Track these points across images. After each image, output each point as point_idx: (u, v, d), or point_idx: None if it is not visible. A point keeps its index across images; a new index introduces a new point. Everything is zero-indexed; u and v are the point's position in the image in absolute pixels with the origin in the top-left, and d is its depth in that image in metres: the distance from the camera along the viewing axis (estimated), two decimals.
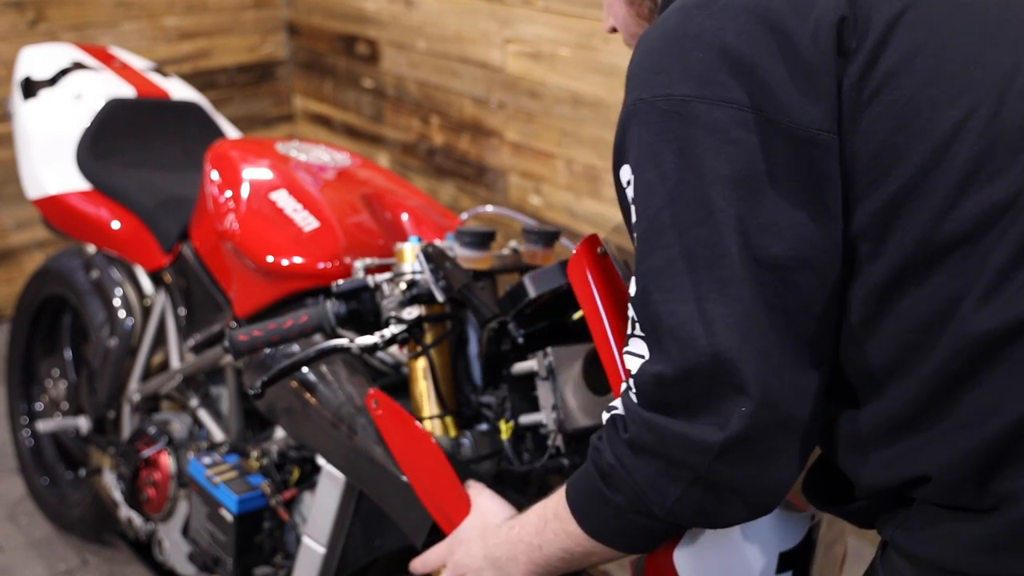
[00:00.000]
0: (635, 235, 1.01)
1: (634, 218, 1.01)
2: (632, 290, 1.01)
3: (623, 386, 1.04)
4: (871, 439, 0.99)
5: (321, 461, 1.64)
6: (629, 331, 1.02)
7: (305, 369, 1.59)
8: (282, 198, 1.89)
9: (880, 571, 1.03)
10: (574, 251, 1.22)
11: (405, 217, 1.92)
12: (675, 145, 0.96)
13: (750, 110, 0.95)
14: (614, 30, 1.25)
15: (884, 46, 0.95)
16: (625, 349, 1.03)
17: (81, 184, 2.37)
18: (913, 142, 0.94)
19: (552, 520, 1.13)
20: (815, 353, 0.98)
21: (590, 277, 1.20)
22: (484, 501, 1.32)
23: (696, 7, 1.00)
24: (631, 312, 1.01)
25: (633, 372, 1.01)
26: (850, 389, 1.02)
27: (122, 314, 2.29)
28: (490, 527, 1.26)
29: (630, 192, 1.01)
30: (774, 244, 0.94)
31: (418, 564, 1.35)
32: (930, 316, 0.94)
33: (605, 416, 1.06)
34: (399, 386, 1.68)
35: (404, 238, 1.82)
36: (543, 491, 1.63)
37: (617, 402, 1.05)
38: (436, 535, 1.38)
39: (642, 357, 1.00)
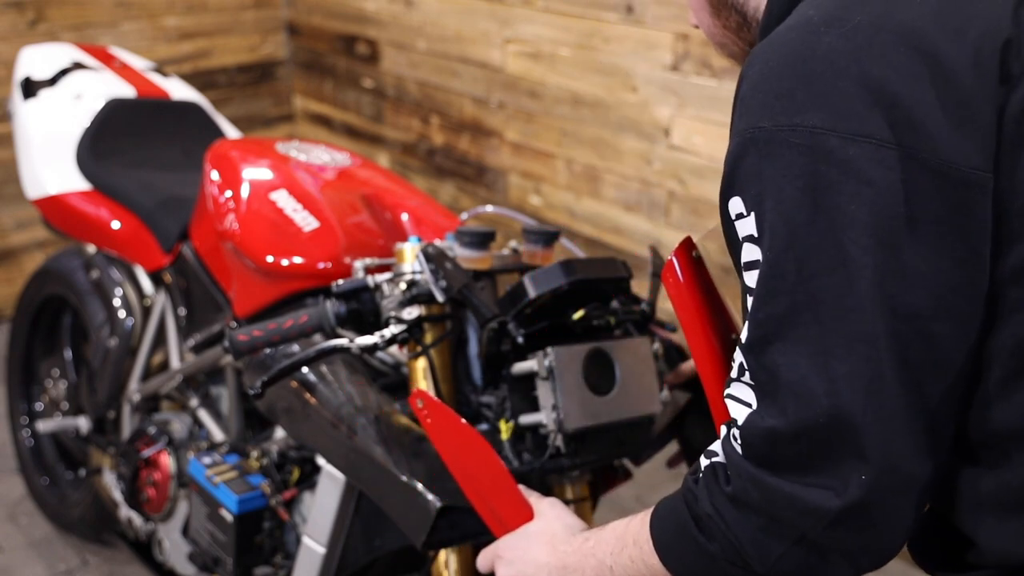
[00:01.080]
0: (750, 274, 0.93)
1: (748, 256, 0.92)
2: (745, 335, 0.93)
3: (723, 430, 0.98)
4: (999, 505, 0.92)
5: (321, 461, 1.64)
6: (735, 374, 0.95)
7: (305, 369, 1.59)
8: (282, 198, 1.89)
9: None
10: (671, 258, 1.13)
11: (405, 217, 1.92)
12: (802, 182, 0.87)
13: (891, 146, 0.85)
14: (697, 26, 1.17)
15: None
16: (727, 392, 0.97)
17: (81, 184, 2.37)
18: None
19: (631, 546, 1.07)
20: (943, 412, 0.90)
21: (685, 283, 1.12)
22: (553, 510, 1.25)
23: (824, 25, 0.89)
24: (739, 356, 0.94)
25: (739, 421, 0.94)
26: (973, 448, 0.94)
27: (122, 314, 2.29)
28: (560, 535, 1.20)
29: (743, 227, 0.92)
30: (913, 293, 0.86)
31: (481, 562, 1.29)
32: None
33: (704, 461, 0.99)
34: (399, 386, 1.68)
35: (404, 238, 1.82)
36: (543, 491, 1.63)
37: (717, 446, 0.98)
38: (436, 535, 1.38)
39: (749, 406, 0.93)
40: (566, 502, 1.59)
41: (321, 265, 1.79)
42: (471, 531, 1.41)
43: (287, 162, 2.01)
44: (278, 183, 1.93)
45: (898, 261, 0.86)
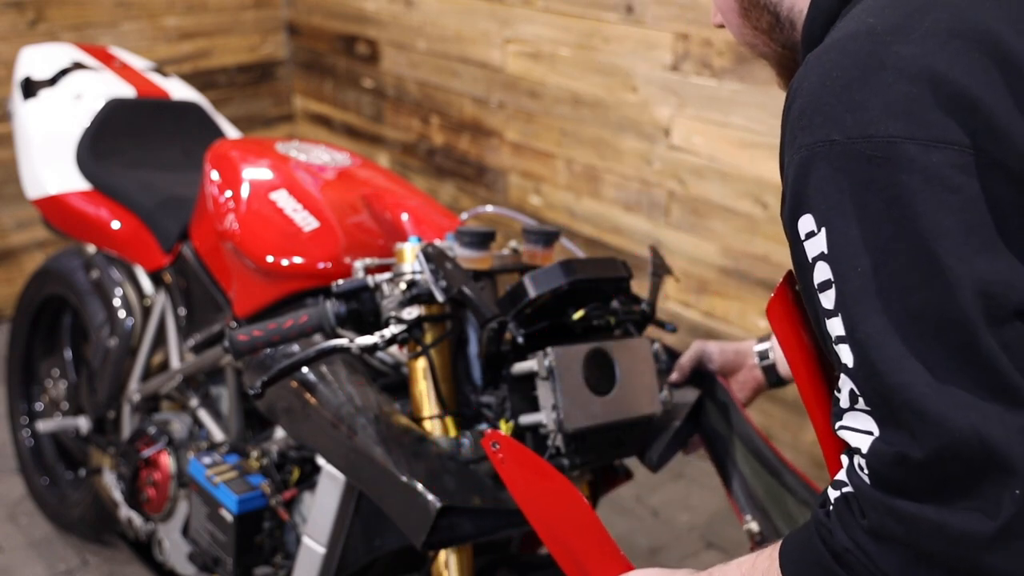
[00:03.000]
0: (827, 294, 0.89)
1: (823, 275, 0.89)
2: (848, 360, 0.88)
3: (845, 460, 0.93)
4: None
5: (321, 461, 1.64)
6: (846, 404, 0.90)
7: (305, 369, 1.59)
8: (282, 198, 1.89)
9: None
10: (775, 294, 1.09)
11: (405, 217, 1.92)
12: (884, 194, 0.84)
13: (971, 151, 0.83)
14: (722, 26, 1.15)
15: None
16: (839, 424, 0.92)
17: (81, 184, 2.37)
18: None
19: None
20: None
21: (788, 317, 1.08)
22: (652, 568, 1.16)
23: (890, 33, 0.87)
24: (848, 384, 0.89)
25: (863, 450, 0.88)
26: None
27: (122, 314, 2.29)
28: (675, 572, 1.12)
29: (814, 245, 0.89)
30: (1010, 298, 0.83)
31: None
32: None
33: (832, 493, 0.93)
34: (399, 386, 1.68)
35: (404, 238, 1.82)
36: None
37: (843, 475, 0.93)
38: (436, 535, 1.38)
39: (870, 433, 0.88)
40: None
41: (321, 265, 1.79)
42: (471, 531, 1.41)
43: (287, 162, 2.00)
44: (278, 183, 1.93)
45: (993, 267, 0.83)
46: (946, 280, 0.83)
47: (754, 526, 1.53)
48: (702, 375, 1.66)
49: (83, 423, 2.40)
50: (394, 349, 1.69)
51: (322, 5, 4.12)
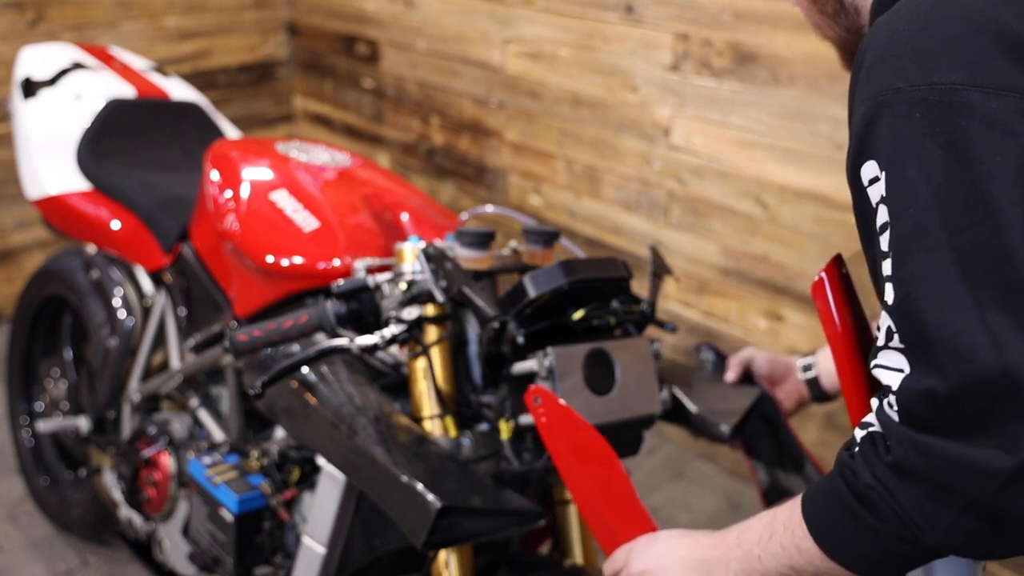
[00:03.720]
0: (884, 236, 0.92)
1: (883, 218, 0.92)
2: (889, 297, 0.91)
3: (875, 402, 0.96)
4: None
5: (321, 461, 1.64)
6: (882, 342, 0.94)
7: (305, 369, 1.59)
8: (282, 198, 1.89)
9: None
10: (820, 274, 1.13)
11: (405, 217, 1.92)
12: (944, 139, 0.88)
13: None
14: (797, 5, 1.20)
15: None
16: (874, 363, 0.95)
17: (81, 184, 2.37)
18: None
19: (781, 533, 1.04)
20: None
21: (834, 300, 1.11)
22: (676, 530, 1.20)
23: None
24: (887, 322, 0.92)
25: (893, 387, 0.92)
26: None
27: (122, 314, 2.29)
28: (694, 534, 1.16)
29: (876, 191, 0.93)
30: None
31: (606, 568, 1.23)
32: None
33: (859, 433, 0.97)
34: (399, 386, 1.68)
35: (404, 238, 1.82)
36: (543, 491, 1.63)
37: (871, 417, 0.96)
38: (436, 535, 1.38)
39: (901, 371, 0.91)
40: (565, 502, 1.59)
41: (321, 265, 1.79)
42: (471, 531, 1.40)
43: (287, 162, 2.01)
44: (278, 183, 1.93)
45: None
46: (998, 220, 0.85)
47: None
48: (749, 380, 1.68)
49: (83, 423, 2.40)
50: (394, 349, 1.69)
51: (322, 5, 4.12)
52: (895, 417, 0.92)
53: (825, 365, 1.65)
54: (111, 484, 2.31)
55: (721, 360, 1.72)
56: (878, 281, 0.96)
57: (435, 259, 1.46)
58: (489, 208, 1.83)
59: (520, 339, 1.42)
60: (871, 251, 0.96)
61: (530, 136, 3.39)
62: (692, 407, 1.64)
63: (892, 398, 0.92)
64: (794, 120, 2.63)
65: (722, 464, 3.07)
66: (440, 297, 1.44)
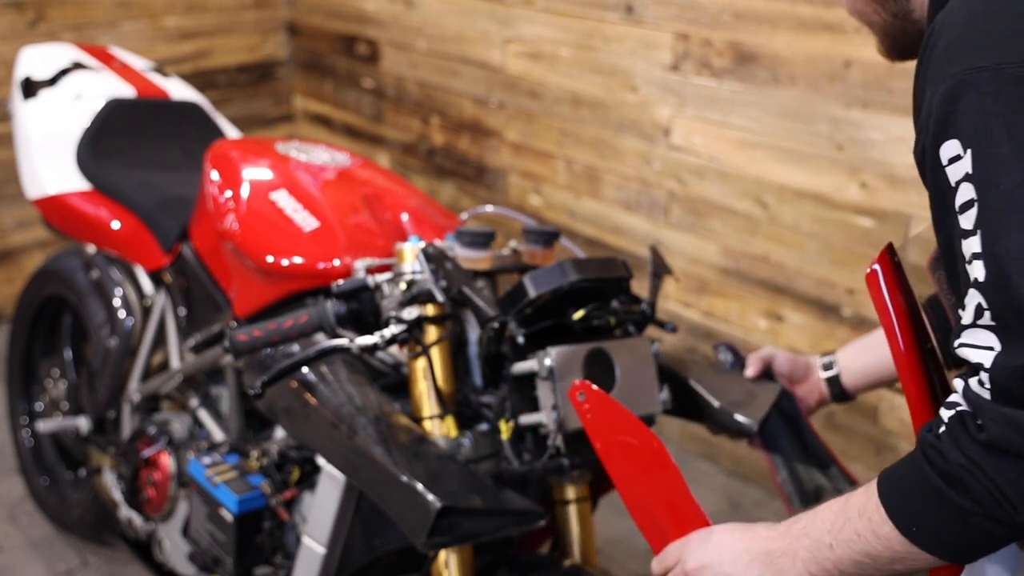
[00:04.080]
0: (967, 215, 0.93)
1: (966, 196, 0.92)
2: (980, 274, 0.92)
3: (959, 383, 0.96)
4: None
5: (321, 461, 1.64)
6: (968, 320, 0.93)
7: (305, 369, 1.59)
8: (282, 198, 1.89)
9: None
10: (874, 265, 1.13)
11: (405, 217, 1.92)
12: None
13: None
14: None
15: None
16: (958, 342, 0.95)
17: (81, 184, 2.37)
18: None
19: (856, 520, 1.02)
20: None
21: (888, 289, 1.11)
22: (728, 525, 1.17)
23: None
24: (975, 299, 0.92)
25: (986, 365, 0.91)
26: None
27: (122, 314, 2.29)
28: (752, 526, 1.13)
29: (957, 169, 0.93)
30: None
31: (656, 566, 1.21)
32: None
33: (945, 413, 0.97)
34: (399, 386, 1.69)
35: (404, 238, 1.82)
36: (543, 491, 1.63)
37: (957, 397, 0.96)
38: (436, 535, 1.38)
39: (991, 349, 0.91)
40: (565, 502, 1.59)
41: (321, 265, 1.79)
42: (471, 531, 1.40)
43: (287, 162, 2.01)
44: (278, 183, 1.93)
45: None
46: None
47: None
48: (769, 378, 1.67)
49: (83, 423, 2.40)
50: (394, 349, 1.69)
51: (322, 5, 4.12)
52: (986, 395, 0.91)
53: (846, 364, 1.63)
54: (111, 484, 2.31)
55: (739, 360, 1.71)
56: (952, 261, 0.96)
57: (435, 259, 1.46)
58: (489, 208, 1.83)
59: (520, 339, 1.42)
60: (945, 230, 0.96)
61: (530, 136, 3.39)
62: (714, 401, 1.61)
63: (984, 376, 0.92)
64: (794, 120, 2.63)
65: (722, 464, 3.07)
66: (440, 297, 1.44)
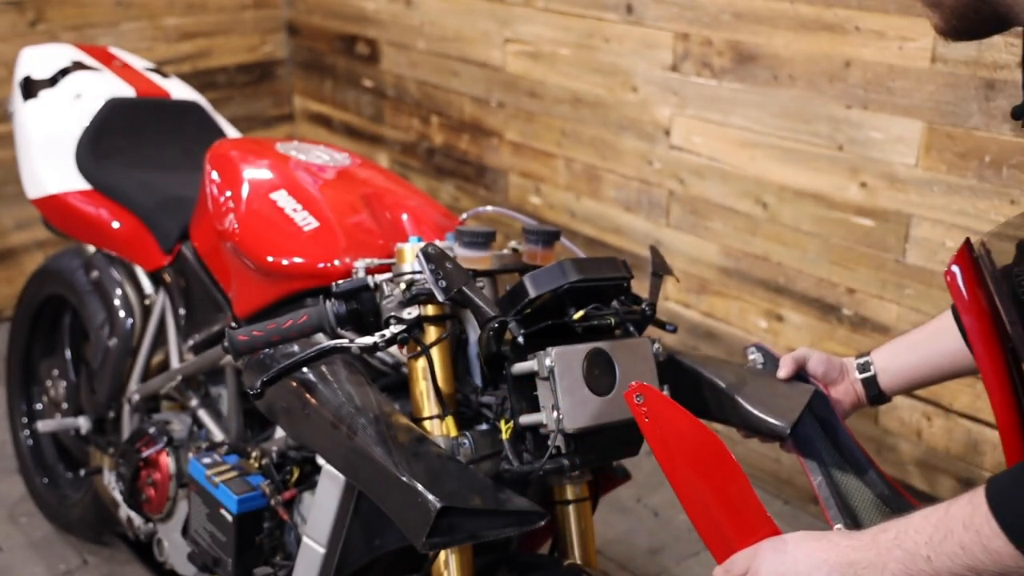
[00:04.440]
0: None
1: None
2: None
3: None
4: None
5: (321, 461, 1.64)
6: None
7: (305, 369, 1.59)
8: (282, 198, 1.89)
9: None
10: (952, 267, 1.09)
11: (405, 217, 1.92)
12: None
13: None
14: None
15: None
16: None
17: (81, 184, 2.37)
18: None
19: (960, 532, 0.97)
20: None
21: (968, 291, 1.08)
22: (799, 533, 1.12)
23: None
24: None
25: None
26: None
27: (122, 314, 2.29)
28: (831, 535, 1.08)
29: None
30: None
31: (720, 575, 1.16)
32: None
33: None
34: (399, 386, 1.68)
35: (404, 238, 1.82)
36: (543, 491, 1.63)
37: None
38: (436, 535, 1.37)
39: None
40: (565, 502, 1.59)
41: (321, 265, 1.79)
42: (471, 531, 1.40)
43: (287, 162, 2.00)
44: (278, 183, 1.93)
45: None
46: None
47: (841, 528, 1.51)
48: (804, 380, 1.64)
49: (83, 423, 2.40)
50: (394, 349, 1.69)
51: (322, 5, 4.12)
52: None
53: (883, 365, 1.58)
54: (111, 484, 2.31)
55: (771, 361, 1.66)
56: None
57: (435, 259, 1.46)
58: (489, 208, 1.83)
59: (520, 339, 1.42)
60: None
61: (530, 136, 3.39)
62: (747, 405, 1.56)
63: None
64: (794, 120, 2.62)
65: None
66: (440, 297, 1.44)
